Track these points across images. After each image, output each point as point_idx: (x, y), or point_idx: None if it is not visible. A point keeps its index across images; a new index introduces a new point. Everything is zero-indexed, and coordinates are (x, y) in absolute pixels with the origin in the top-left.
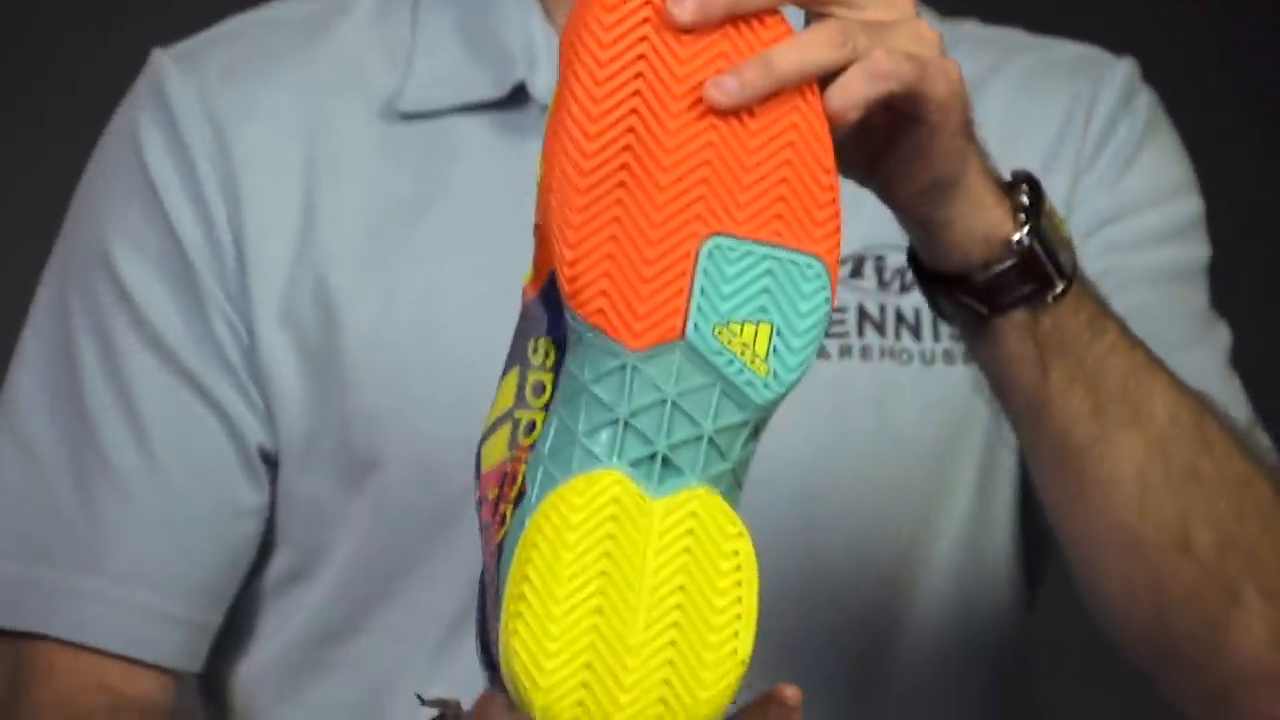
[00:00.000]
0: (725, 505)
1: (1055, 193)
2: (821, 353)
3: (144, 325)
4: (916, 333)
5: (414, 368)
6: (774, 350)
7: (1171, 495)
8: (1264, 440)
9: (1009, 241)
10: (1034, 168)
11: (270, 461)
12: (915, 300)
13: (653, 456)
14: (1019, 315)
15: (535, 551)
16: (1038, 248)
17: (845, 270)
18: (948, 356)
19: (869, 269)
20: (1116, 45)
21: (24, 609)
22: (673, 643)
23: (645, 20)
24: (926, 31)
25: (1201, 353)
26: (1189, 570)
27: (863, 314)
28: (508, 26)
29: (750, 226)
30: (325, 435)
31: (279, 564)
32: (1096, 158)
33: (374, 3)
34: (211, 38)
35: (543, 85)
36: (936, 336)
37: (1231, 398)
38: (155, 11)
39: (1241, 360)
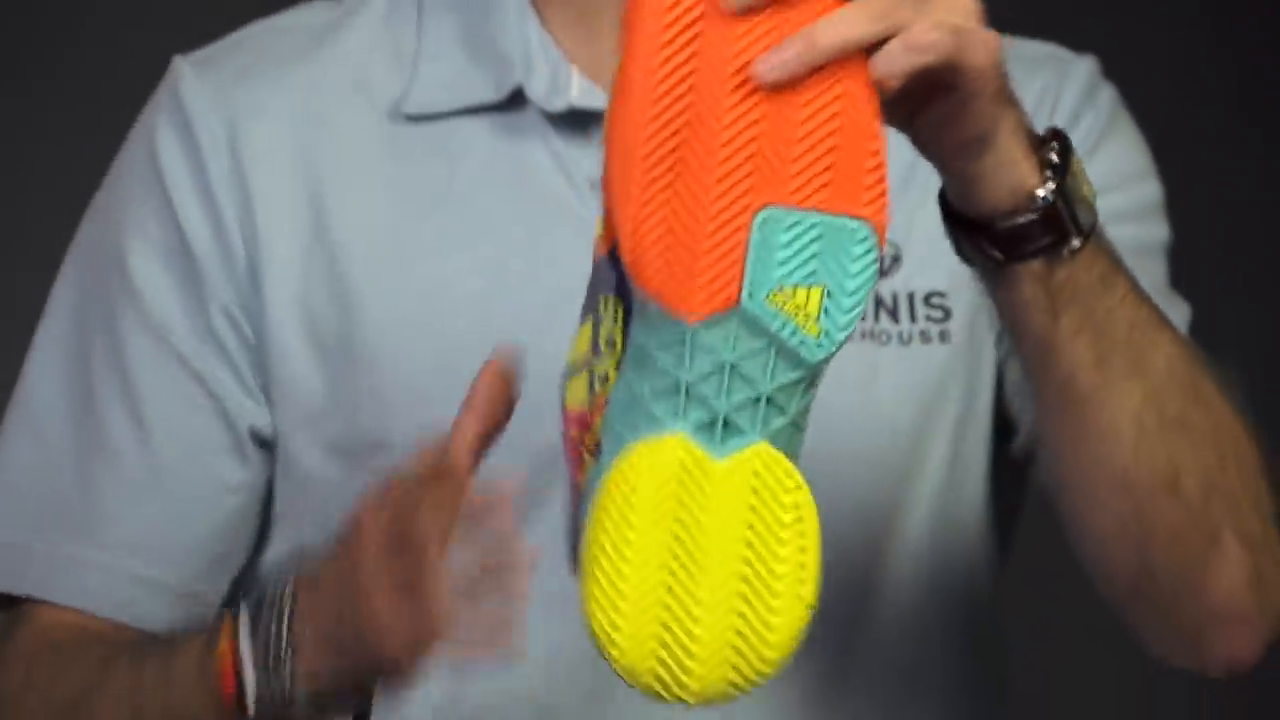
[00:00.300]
0: (784, 460)
1: None
2: None
3: (145, 313)
4: (895, 315)
5: (423, 356)
6: (825, 311)
7: (1163, 442)
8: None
9: (1033, 195)
10: None
11: (264, 443)
12: (894, 284)
13: (714, 420)
14: (1035, 265)
15: (605, 516)
16: (1060, 204)
17: None
18: (924, 337)
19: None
20: (1111, 42)
21: (22, 575)
22: (742, 595)
23: (697, 4)
24: (966, 1)
25: None
26: (1175, 513)
27: None
28: (506, 34)
29: (800, 195)
30: (334, 416)
31: (279, 541)
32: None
33: (381, 11)
34: (227, 44)
35: (539, 89)
36: (913, 319)
37: None
38: (181, 22)
39: (1242, 360)
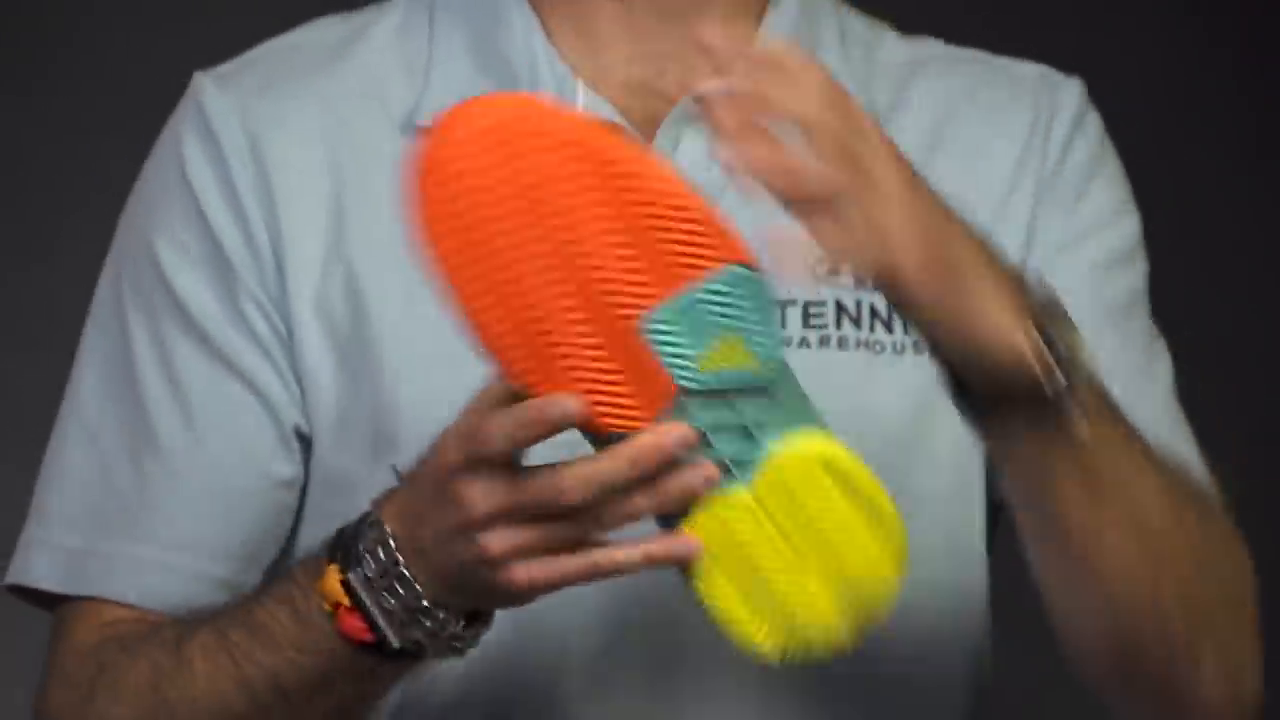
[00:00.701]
0: (813, 451)
1: (1018, 214)
2: (803, 342)
3: (187, 317)
4: (889, 326)
5: (433, 360)
6: (753, 347)
7: (1146, 565)
8: (1205, 476)
9: (1020, 364)
10: (998, 188)
11: (304, 440)
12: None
13: (723, 465)
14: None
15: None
16: (1044, 374)
17: (824, 269)
18: (917, 347)
19: (846, 268)
20: (1110, 46)
21: (83, 577)
22: (841, 570)
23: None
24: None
25: (1150, 388)
26: (1155, 627)
27: (840, 308)
28: (513, 46)
29: (659, 290)
30: (356, 416)
31: (307, 536)
32: (1055, 179)
33: (395, 24)
34: (245, 61)
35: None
36: (906, 329)
37: (1176, 429)
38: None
39: (1242, 358)
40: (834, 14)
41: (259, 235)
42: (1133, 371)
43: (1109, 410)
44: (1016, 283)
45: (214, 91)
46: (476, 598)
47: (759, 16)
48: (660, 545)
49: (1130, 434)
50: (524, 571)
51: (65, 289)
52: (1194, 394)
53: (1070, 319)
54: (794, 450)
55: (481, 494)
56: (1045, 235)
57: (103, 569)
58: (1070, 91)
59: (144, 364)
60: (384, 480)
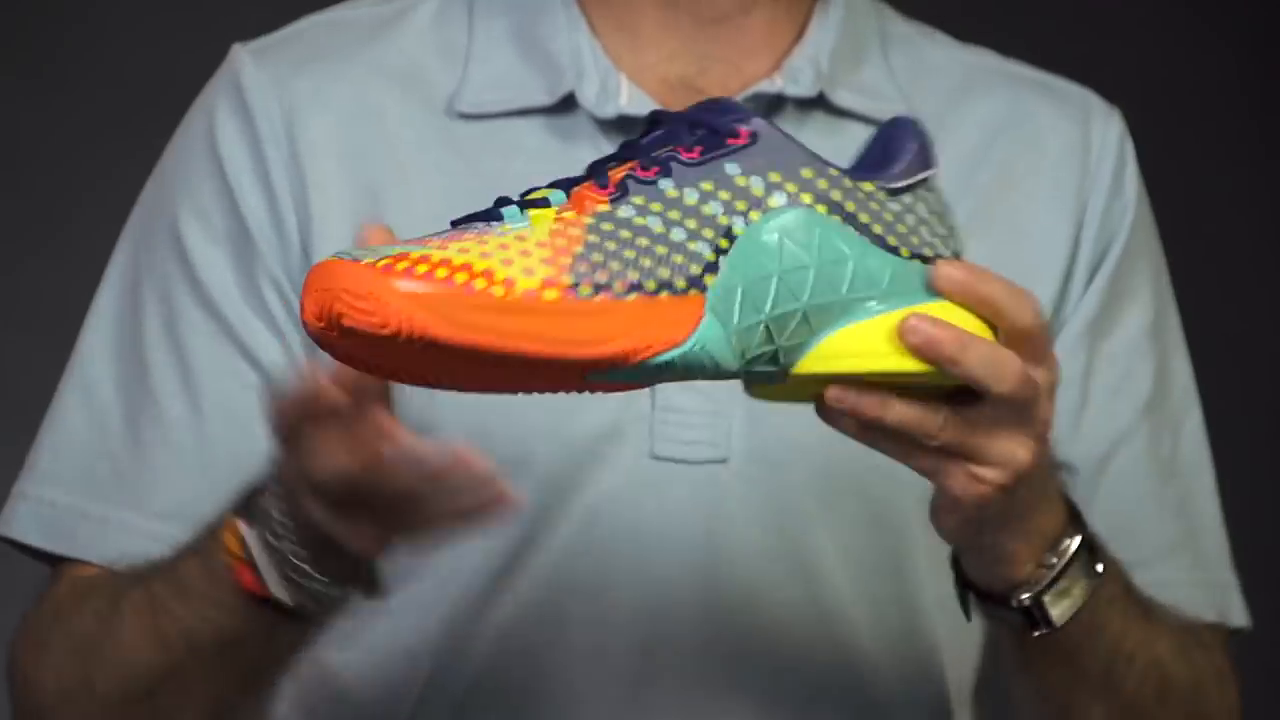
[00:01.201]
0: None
1: (1059, 240)
2: None
3: (202, 291)
4: None
5: None
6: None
7: None
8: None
9: (1013, 589)
10: (1040, 212)
11: None
12: None
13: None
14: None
15: None
16: (1035, 607)
17: None
18: None
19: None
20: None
21: (70, 537)
22: None
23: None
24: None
25: (1191, 484)
26: None
27: None
28: (556, 38)
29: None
30: None
31: None
32: (1102, 214)
33: (433, 9)
34: (284, 36)
35: (590, 95)
36: None
37: (1205, 523)
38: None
39: (1240, 358)
40: (875, 18)
41: (288, 217)
42: (1164, 479)
43: (1106, 602)
44: (1054, 524)
45: (252, 67)
46: (339, 561)
47: (801, 24)
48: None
49: (1126, 612)
50: (358, 537)
51: (71, 277)
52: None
53: (1100, 550)
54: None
55: (307, 452)
56: (1085, 302)
57: (88, 531)
58: (1114, 126)
59: (152, 333)
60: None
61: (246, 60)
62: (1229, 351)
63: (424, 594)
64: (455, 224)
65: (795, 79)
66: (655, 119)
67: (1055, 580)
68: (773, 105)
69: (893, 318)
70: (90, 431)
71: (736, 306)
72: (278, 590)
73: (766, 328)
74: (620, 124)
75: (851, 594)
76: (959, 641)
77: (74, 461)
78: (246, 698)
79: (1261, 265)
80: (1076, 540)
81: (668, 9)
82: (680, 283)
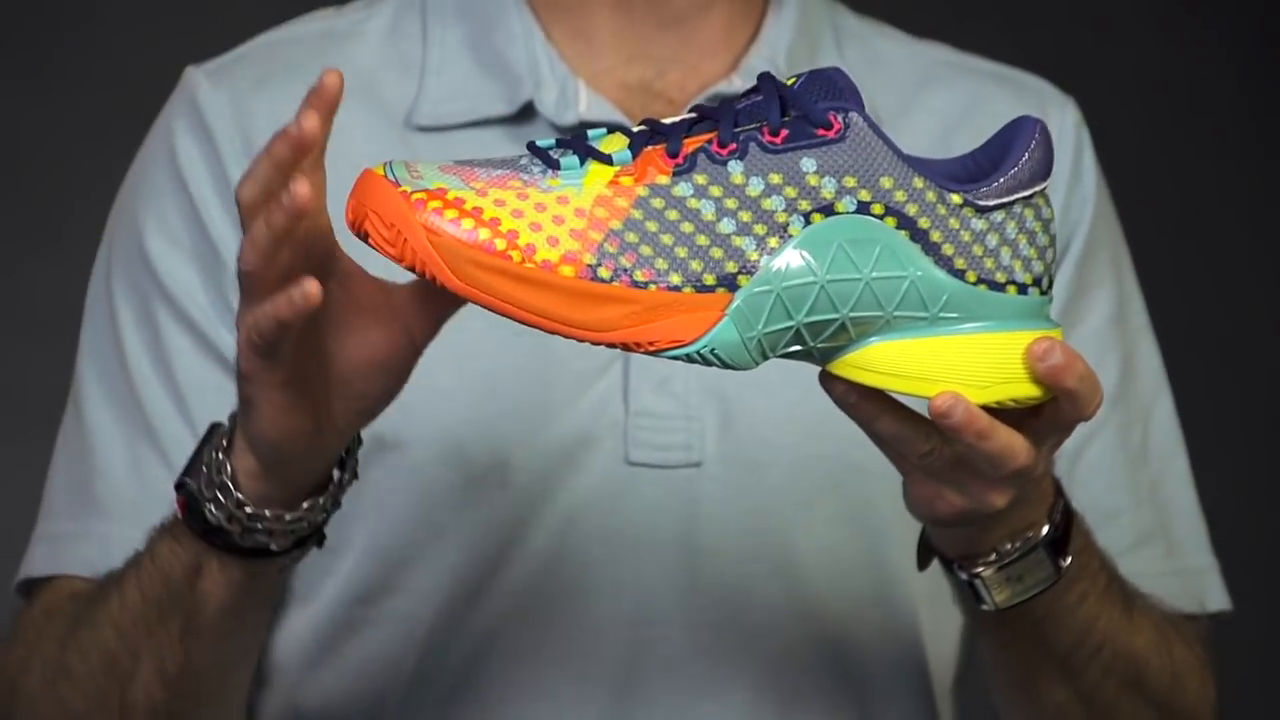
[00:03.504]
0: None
1: None
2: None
3: (178, 309)
4: None
5: (438, 359)
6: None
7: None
8: (1203, 558)
9: (975, 562)
10: None
11: None
12: None
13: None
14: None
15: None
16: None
17: None
18: None
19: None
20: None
21: (76, 558)
22: None
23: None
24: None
25: (1161, 472)
26: None
27: None
28: (513, 47)
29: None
30: None
31: None
32: (1060, 231)
33: (386, 22)
34: (236, 57)
35: (549, 103)
36: None
37: (1181, 513)
38: (195, 33)
39: (1241, 358)
40: (828, 15)
41: None
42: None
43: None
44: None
45: (208, 87)
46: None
47: (757, 23)
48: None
49: (1101, 597)
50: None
51: (66, 280)
52: (1190, 396)
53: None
54: None
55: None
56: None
57: (96, 550)
58: (1070, 115)
59: (136, 355)
60: (388, 477)
61: (202, 81)
62: (1224, 342)
63: (403, 605)
64: (521, 154)
65: (753, 78)
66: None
67: (1007, 565)
68: None
69: (930, 343)
70: (88, 457)
71: (765, 313)
72: (205, 507)
73: (799, 331)
74: (579, 130)
75: (831, 592)
76: (941, 635)
77: (75, 489)
78: (206, 660)
79: (1252, 256)
80: (1043, 532)
81: (623, 13)
82: (710, 279)
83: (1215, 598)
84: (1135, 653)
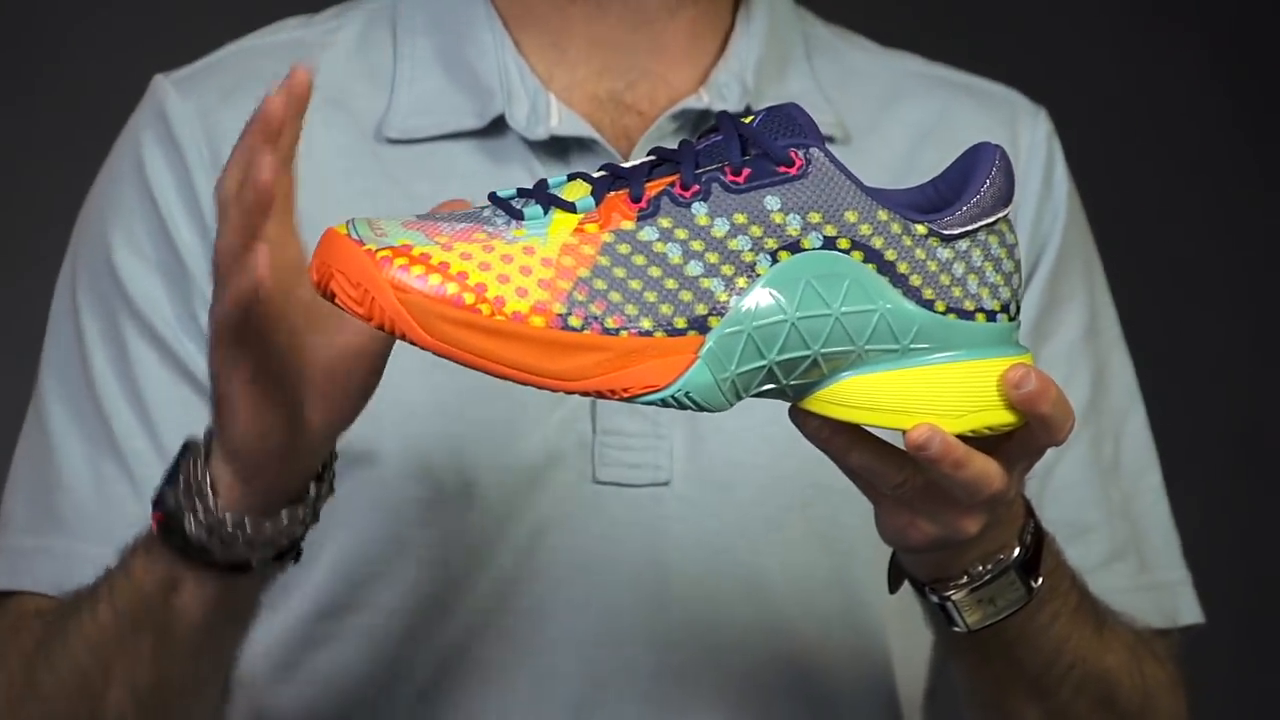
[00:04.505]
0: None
1: None
2: None
3: (143, 322)
4: None
5: (409, 374)
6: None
7: None
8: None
9: (943, 585)
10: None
11: None
12: None
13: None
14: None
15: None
16: (955, 608)
17: None
18: None
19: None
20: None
21: (38, 574)
22: None
23: None
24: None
25: (1134, 485)
26: None
27: None
28: (484, 60)
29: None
30: None
31: None
32: (1035, 217)
33: (356, 32)
34: (207, 65)
35: (520, 117)
36: None
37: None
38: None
39: (1214, 371)
40: (798, 24)
41: None
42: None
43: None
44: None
45: (176, 96)
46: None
47: (725, 30)
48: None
49: (1072, 618)
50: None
51: (29, 292)
52: (1163, 409)
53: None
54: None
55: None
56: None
57: (57, 566)
58: (1041, 127)
59: (101, 369)
60: (356, 492)
61: (170, 90)
62: (1198, 355)
63: (368, 621)
64: (484, 206)
65: (721, 94)
66: (719, 121)
67: (978, 588)
68: (700, 120)
69: (903, 375)
70: (51, 472)
71: (738, 353)
72: (183, 519)
73: (771, 370)
74: (551, 144)
75: (800, 612)
76: (909, 655)
77: (36, 504)
78: (179, 677)
79: (1226, 270)
80: (1014, 554)
81: (598, 14)
82: (680, 322)
83: (1188, 612)
84: (1106, 672)
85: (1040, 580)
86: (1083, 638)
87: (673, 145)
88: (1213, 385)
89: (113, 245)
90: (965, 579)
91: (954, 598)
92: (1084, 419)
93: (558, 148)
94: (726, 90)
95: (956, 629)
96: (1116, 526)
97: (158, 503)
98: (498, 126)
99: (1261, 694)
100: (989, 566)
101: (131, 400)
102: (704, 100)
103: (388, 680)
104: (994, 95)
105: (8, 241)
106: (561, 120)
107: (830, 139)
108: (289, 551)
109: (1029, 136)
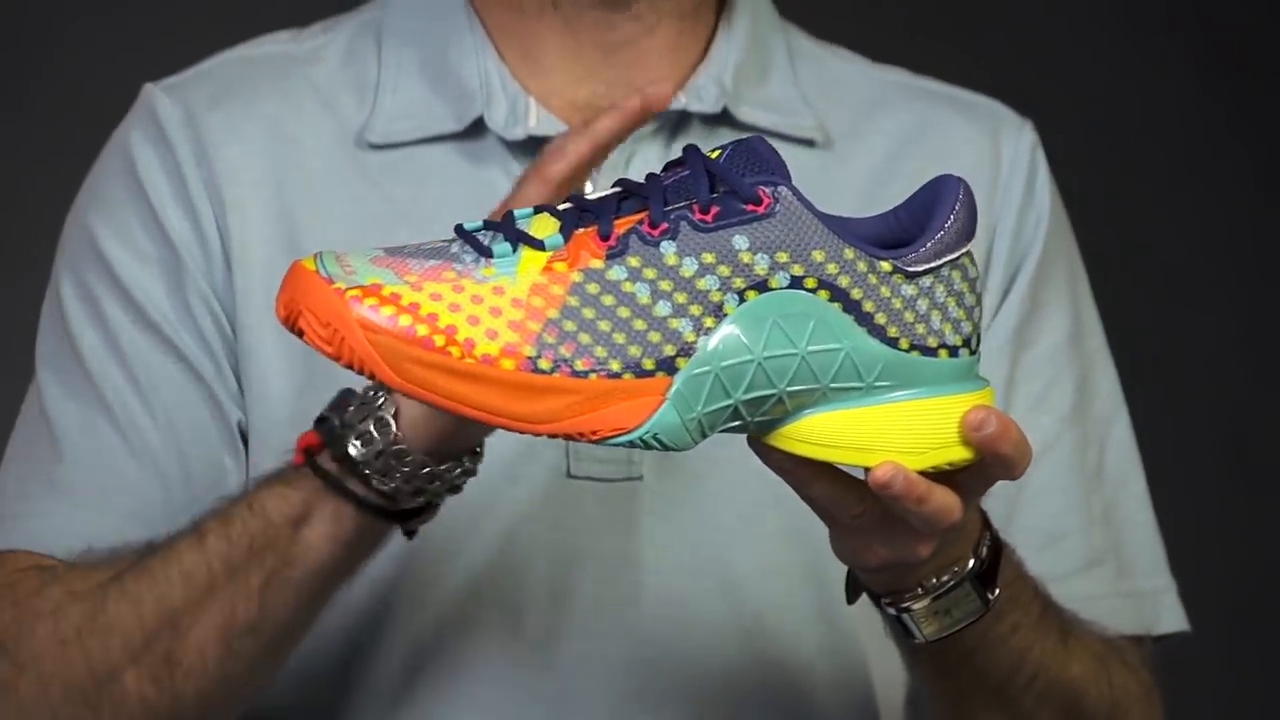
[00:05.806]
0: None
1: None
2: None
3: (139, 312)
4: None
5: None
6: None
7: None
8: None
9: (898, 598)
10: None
11: (244, 438)
12: None
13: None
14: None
15: None
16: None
17: None
18: None
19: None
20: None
21: (32, 533)
22: None
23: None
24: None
25: (1116, 495)
26: None
27: None
28: (465, 65)
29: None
30: (301, 425)
31: None
32: (1015, 227)
33: (343, 46)
34: (196, 73)
35: (498, 118)
36: None
37: (1139, 503)
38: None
39: (1200, 378)
40: (782, 34)
41: (209, 231)
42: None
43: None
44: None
45: (165, 100)
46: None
47: (706, 43)
48: None
49: (1035, 627)
50: None
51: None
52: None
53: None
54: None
55: None
56: (1004, 314)
57: (39, 525)
58: (1025, 138)
59: (99, 361)
60: None
61: (160, 96)
62: (1183, 362)
63: (339, 616)
64: (451, 239)
65: (699, 96)
66: (686, 155)
67: (934, 599)
68: (679, 122)
69: (866, 413)
70: (49, 446)
71: (704, 393)
72: (351, 447)
73: (737, 408)
74: (529, 144)
75: (774, 607)
76: (886, 652)
77: (35, 477)
78: (276, 620)
79: (1212, 278)
80: (969, 566)
81: (569, 37)
82: (649, 364)
83: (1170, 619)
84: (1071, 682)
85: (997, 592)
86: (1045, 648)
87: (649, 147)
88: (1201, 389)
89: (106, 240)
90: (920, 591)
91: (911, 609)
92: (1068, 424)
93: (535, 148)
94: (704, 92)
95: (914, 640)
96: (1096, 532)
97: (320, 422)
98: (477, 129)
99: (1249, 700)
100: (944, 579)
101: (129, 383)
102: (681, 101)
103: (360, 675)
104: (977, 106)
105: (7, 242)
106: (540, 122)
107: (811, 143)
108: (427, 509)
109: (1012, 147)
